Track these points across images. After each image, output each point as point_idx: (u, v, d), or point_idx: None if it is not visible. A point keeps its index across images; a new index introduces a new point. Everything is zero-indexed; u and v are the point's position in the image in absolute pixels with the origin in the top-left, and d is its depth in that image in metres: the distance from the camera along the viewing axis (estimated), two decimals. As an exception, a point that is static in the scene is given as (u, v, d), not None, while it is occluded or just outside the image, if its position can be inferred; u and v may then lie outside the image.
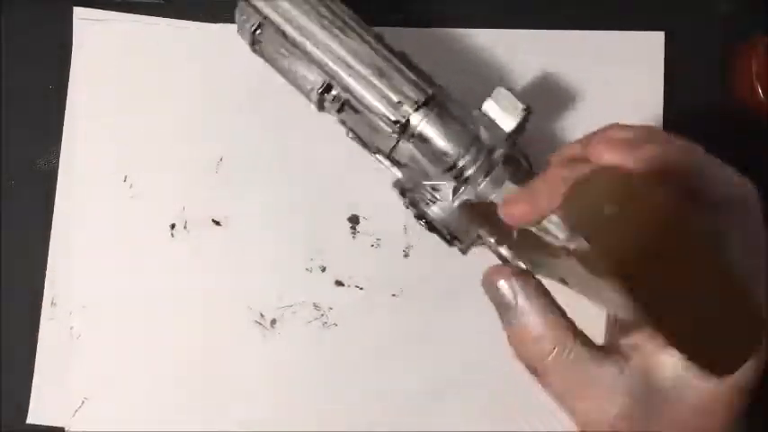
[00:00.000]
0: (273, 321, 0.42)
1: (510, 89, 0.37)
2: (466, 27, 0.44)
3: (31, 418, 0.42)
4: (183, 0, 0.44)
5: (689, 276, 0.25)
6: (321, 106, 0.39)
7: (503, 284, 0.30)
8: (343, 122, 0.39)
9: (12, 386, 0.42)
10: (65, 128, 0.44)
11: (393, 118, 0.36)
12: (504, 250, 0.37)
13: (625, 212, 0.25)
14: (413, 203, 0.38)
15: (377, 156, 0.39)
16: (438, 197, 0.37)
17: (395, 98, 0.36)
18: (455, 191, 0.36)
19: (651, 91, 0.43)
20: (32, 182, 0.44)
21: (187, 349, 0.42)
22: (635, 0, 0.44)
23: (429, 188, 0.37)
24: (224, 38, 0.44)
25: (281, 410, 0.42)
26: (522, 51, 0.44)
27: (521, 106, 0.36)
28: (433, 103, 0.36)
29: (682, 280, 0.25)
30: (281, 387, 0.42)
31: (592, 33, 0.44)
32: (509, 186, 0.35)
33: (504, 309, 0.31)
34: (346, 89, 0.37)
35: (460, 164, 0.36)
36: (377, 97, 0.36)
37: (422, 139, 0.36)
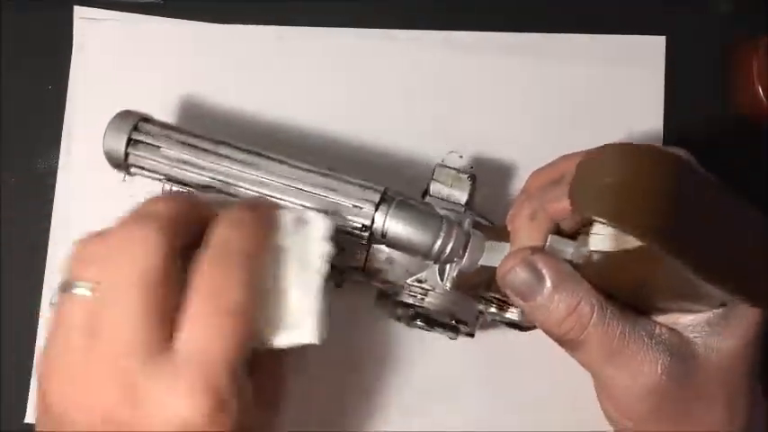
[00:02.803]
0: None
1: (444, 165, 0.37)
2: (467, 29, 0.44)
3: (30, 418, 0.42)
4: (182, 0, 0.44)
5: (706, 218, 0.26)
6: None
7: (523, 268, 0.31)
8: None
9: (10, 385, 0.42)
10: (65, 128, 0.44)
11: (359, 224, 0.35)
12: (511, 313, 0.36)
13: (626, 176, 0.26)
14: (405, 305, 0.36)
15: (354, 277, 0.37)
16: (427, 287, 0.36)
17: (354, 204, 0.35)
18: (441, 273, 0.36)
19: (652, 95, 0.43)
20: (32, 182, 0.44)
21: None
22: (635, 0, 0.44)
23: (415, 282, 0.36)
24: (224, 38, 0.44)
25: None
26: (519, 55, 0.44)
27: (465, 177, 0.37)
28: (388, 198, 0.35)
29: (700, 223, 0.26)
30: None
31: (591, 37, 0.44)
32: (492, 244, 0.35)
33: (529, 291, 0.31)
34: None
35: (437, 246, 0.35)
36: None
37: (392, 236, 0.35)
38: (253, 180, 0.35)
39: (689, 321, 0.31)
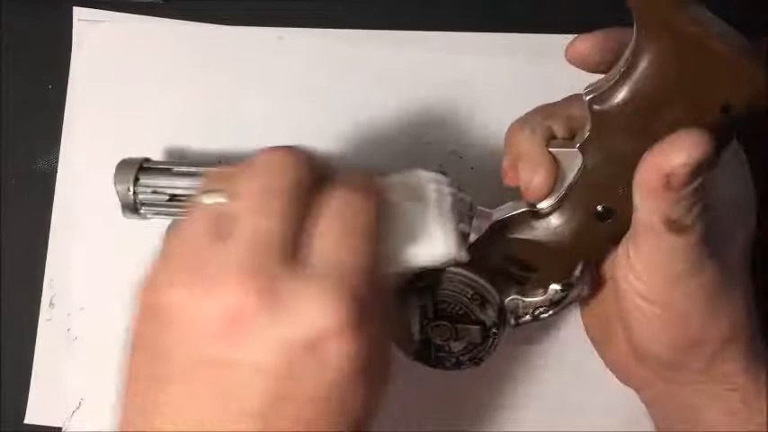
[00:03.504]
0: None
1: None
2: (469, 30, 0.44)
3: (29, 419, 0.42)
4: (182, 0, 0.44)
5: None
6: None
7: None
8: None
9: (10, 386, 0.42)
10: (65, 128, 0.44)
11: None
12: (533, 295, 0.35)
13: None
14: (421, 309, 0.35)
15: None
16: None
17: None
18: None
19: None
20: (32, 182, 0.44)
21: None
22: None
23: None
24: (224, 38, 0.44)
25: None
26: (521, 56, 0.44)
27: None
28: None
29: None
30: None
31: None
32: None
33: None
34: None
35: None
36: None
37: None
38: None
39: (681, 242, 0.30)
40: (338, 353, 0.25)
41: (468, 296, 0.34)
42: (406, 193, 0.31)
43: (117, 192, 0.38)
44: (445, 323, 0.35)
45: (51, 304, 0.43)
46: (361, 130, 0.43)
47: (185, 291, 0.25)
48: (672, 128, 0.28)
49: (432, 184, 0.32)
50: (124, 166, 0.38)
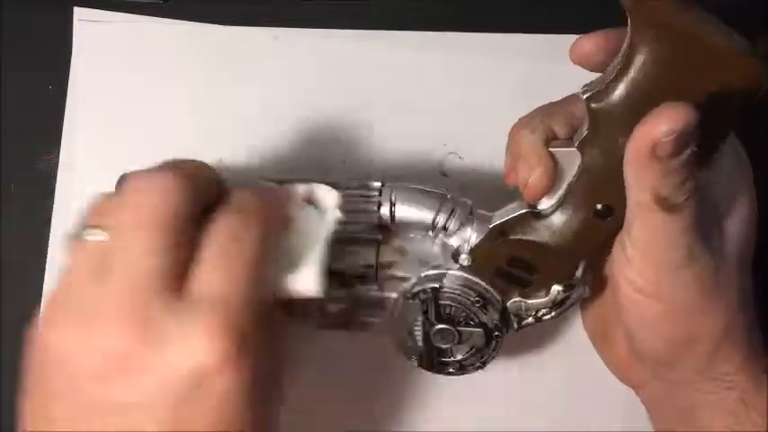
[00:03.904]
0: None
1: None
2: (466, 31, 0.44)
3: (30, 419, 0.42)
4: (182, 0, 0.44)
5: None
6: None
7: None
8: None
9: (10, 386, 0.42)
10: (65, 128, 0.44)
11: (369, 208, 0.34)
12: (536, 297, 0.35)
13: None
14: (424, 315, 0.35)
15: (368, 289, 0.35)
16: (443, 270, 0.34)
17: (361, 194, 0.35)
18: (455, 256, 0.34)
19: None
20: (32, 182, 0.44)
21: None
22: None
23: (431, 270, 0.35)
24: (224, 38, 0.44)
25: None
26: (521, 56, 0.44)
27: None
28: (387, 185, 0.35)
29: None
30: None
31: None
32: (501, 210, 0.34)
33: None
34: None
35: (446, 208, 0.34)
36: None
37: (400, 215, 0.34)
38: None
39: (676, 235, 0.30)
40: (223, 387, 0.25)
41: (471, 300, 0.34)
42: (297, 214, 0.31)
43: None
44: (448, 327, 0.35)
45: (51, 304, 0.43)
46: (359, 130, 0.43)
47: (70, 333, 0.26)
48: None
49: (328, 213, 0.32)
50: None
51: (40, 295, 0.43)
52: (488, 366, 0.36)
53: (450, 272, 0.34)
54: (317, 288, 0.31)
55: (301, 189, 0.32)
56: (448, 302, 0.34)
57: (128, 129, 0.44)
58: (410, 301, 0.35)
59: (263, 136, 0.43)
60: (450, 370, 0.36)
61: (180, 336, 0.25)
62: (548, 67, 0.44)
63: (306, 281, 0.31)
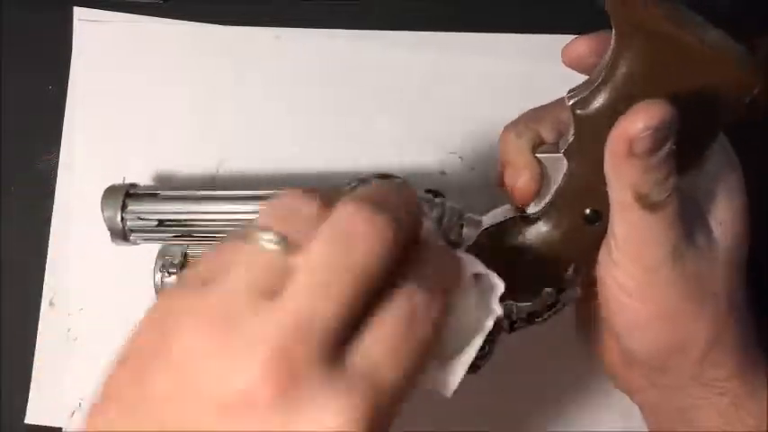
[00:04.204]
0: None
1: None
2: (467, 31, 0.44)
3: (29, 419, 0.42)
4: (182, 0, 0.44)
5: None
6: None
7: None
8: None
9: (9, 386, 0.42)
10: (65, 128, 0.44)
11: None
12: (526, 303, 0.34)
13: None
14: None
15: None
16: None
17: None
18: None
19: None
20: (32, 182, 0.44)
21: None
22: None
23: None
24: (225, 38, 0.44)
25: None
26: (522, 56, 0.44)
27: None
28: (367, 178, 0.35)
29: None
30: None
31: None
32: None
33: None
34: None
35: (435, 212, 0.34)
36: None
37: None
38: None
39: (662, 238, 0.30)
40: None
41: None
42: (462, 297, 0.27)
43: (105, 219, 0.38)
44: None
45: (51, 304, 0.43)
46: (360, 130, 0.43)
47: (209, 345, 0.22)
48: None
49: (492, 308, 0.28)
50: (110, 193, 0.38)
51: (40, 295, 0.43)
52: (483, 369, 0.36)
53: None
54: (452, 389, 0.27)
55: (472, 264, 0.28)
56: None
57: (128, 129, 0.44)
58: None
59: (264, 136, 0.43)
60: None
61: (320, 400, 0.22)
62: (548, 67, 0.43)
63: (444, 380, 0.27)
